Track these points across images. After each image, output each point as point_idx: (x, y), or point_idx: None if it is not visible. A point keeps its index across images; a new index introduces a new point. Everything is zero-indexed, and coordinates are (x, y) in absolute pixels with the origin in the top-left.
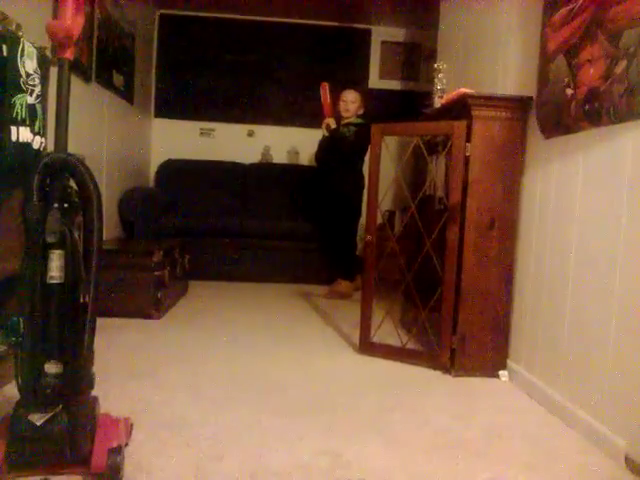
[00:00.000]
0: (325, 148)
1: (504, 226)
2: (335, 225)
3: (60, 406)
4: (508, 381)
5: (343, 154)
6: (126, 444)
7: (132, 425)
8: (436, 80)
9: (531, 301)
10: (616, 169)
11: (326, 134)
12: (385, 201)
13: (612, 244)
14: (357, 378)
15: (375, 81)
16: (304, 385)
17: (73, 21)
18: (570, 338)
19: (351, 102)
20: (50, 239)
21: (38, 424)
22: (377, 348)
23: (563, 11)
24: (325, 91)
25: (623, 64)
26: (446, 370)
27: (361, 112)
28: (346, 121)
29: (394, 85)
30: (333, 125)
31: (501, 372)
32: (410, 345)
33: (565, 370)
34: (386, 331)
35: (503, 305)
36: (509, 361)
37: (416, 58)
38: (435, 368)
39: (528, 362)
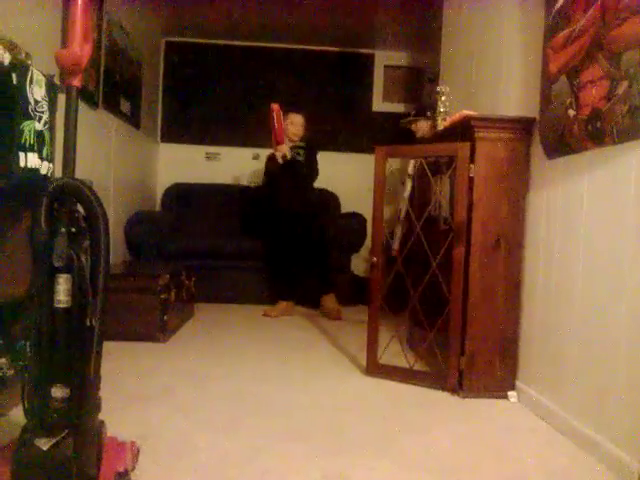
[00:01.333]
0: (280, 175)
1: (510, 245)
2: (303, 244)
3: (67, 430)
4: (517, 402)
5: (303, 178)
6: (133, 468)
7: (138, 449)
8: (439, 103)
9: (539, 321)
10: (621, 188)
11: (280, 162)
12: (390, 222)
13: (619, 263)
14: (364, 400)
15: (378, 104)
16: (311, 408)
17: (81, 49)
18: (580, 357)
19: (300, 125)
20: (57, 263)
21: (44, 449)
22: (384, 370)
23: (564, 33)
24: (278, 114)
25: (625, 85)
26: (454, 391)
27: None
28: (292, 144)
29: (397, 108)
30: (289, 155)
31: (510, 393)
32: (417, 366)
33: (575, 390)
34: (393, 352)
35: (511, 325)
36: (518, 382)
37: (419, 81)
38: (443, 389)
39: (537, 382)
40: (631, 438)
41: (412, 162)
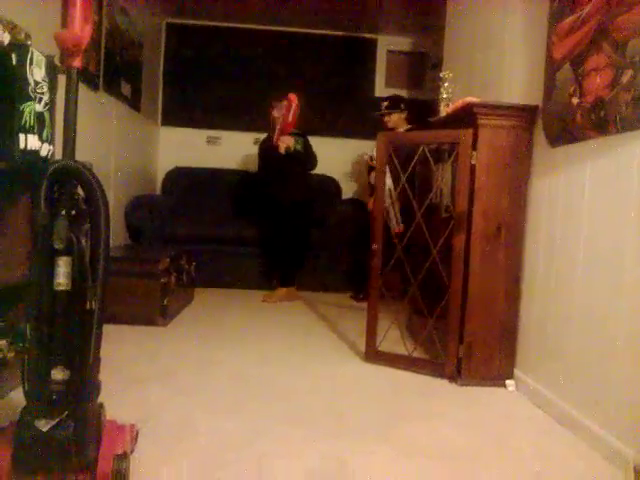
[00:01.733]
0: (281, 164)
1: (511, 234)
2: (293, 232)
3: (66, 412)
4: (515, 390)
5: (304, 168)
6: (132, 451)
7: (138, 432)
8: (442, 89)
9: (538, 309)
10: (623, 177)
11: (283, 153)
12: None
13: (620, 252)
14: (363, 386)
15: (381, 89)
16: (310, 392)
17: (81, 30)
18: (578, 347)
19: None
20: (57, 246)
21: (44, 430)
22: (383, 356)
23: (569, 20)
24: (296, 106)
25: (629, 73)
26: (452, 379)
27: None
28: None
29: (400, 93)
30: (293, 148)
31: (508, 381)
32: (416, 354)
33: (573, 379)
34: (392, 339)
35: (510, 313)
36: (516, 370)
37: (422, 67)
38: (442, 377)
39: (535, 371)
40: (626, 427)
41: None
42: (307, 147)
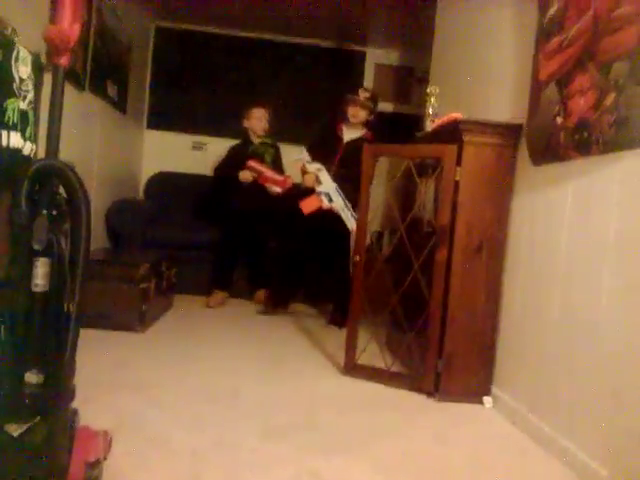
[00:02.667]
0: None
1: (492, 250)
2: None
3: (38, 417)
4: (492, 407)
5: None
6: (105, 458)
7: (111, 439)
8: (428, 104)
9: (517, 326)
10: (604, 198)
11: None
12: (373, 222)
13: (598, 272)
14: (340, 400)
15: None
16: (286, 405)
17: (70, 28)
18: (555, 365)
19: (265, 119)
20: (37, 246)
21: (15, 435)
22: (362, 370)
23: (556, 40)
24: (257, 166)
25: (612, 96)
26: (430, 394)
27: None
28: (259, 140)
29: (386, 107)
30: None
31: (485, 398)
32: (395, 368)
33: (549, 397)
34: (372, 353)
35: (489, 330)
36: (493, 387)
37: (409, 81)
38: (419, 392)
39: (513, 388)
40: (602, 447)
41: (304, 150)
42: (276, 159)
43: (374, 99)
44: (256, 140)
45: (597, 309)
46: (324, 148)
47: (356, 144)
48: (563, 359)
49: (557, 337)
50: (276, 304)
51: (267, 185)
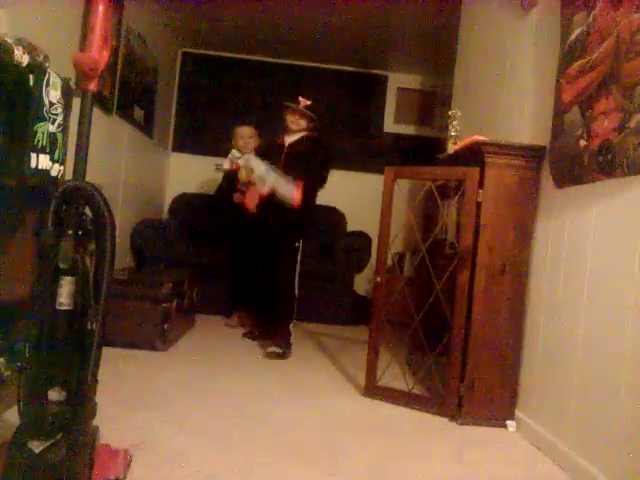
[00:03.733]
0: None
1: (515, 272)
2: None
3: (60, 434)
4: (516, 432)
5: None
6: (124, 476)
7: (131, 457)
8: (450, 126)
9: (541, 350)
10: (629, 221)
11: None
12: (395, 243)
13: (624, 296)
14: (361, 422)
15: (390, 125)
16: (306, 427)
17: (99, 54)
18: (580, 390)
19: (248, 137)
20: (62, 265)
21: (37, 452)
22: (383, 392)
23: (578, 64)
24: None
25: (637, 118)
26: (452, 418)
27: (256, 145)
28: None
29: (409, 130)
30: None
31: (509, 422)
32: (416, 390)
33: (573, 422)
34: (392, 375)
35: (513, 353)
36: (517, 411)
37: (431, 104)
38: (441, 415)
39: (537, 413)
40: (626, 471)
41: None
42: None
43: (313, 108)
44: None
45: (624, 333)
46: (268, 157)
47: (298, 143)
48: (587, 383)
49: (581, 362)
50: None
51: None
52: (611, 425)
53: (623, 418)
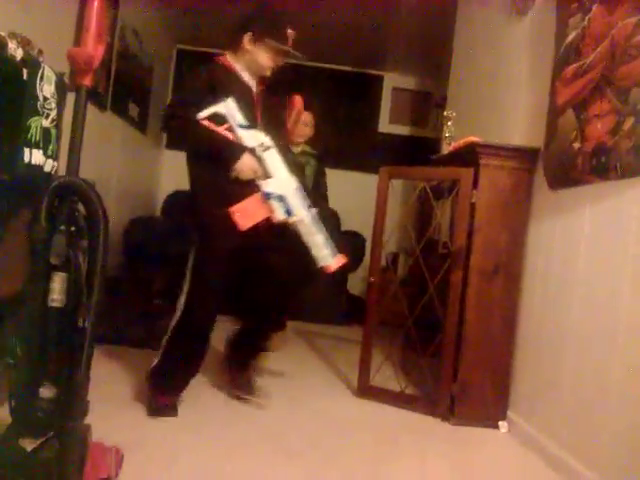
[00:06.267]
0: None
1: (508, 273)
2: None
3: (52, 432)
4: (508, 432)
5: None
6: (116, 475)
7: (123, 456)
8: (445, 127)
9: (533, 351)
10: (622, 224)
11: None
12: (389, 243)
13: (616, 297)
14: (353, 422)
15: (385, 125)
16: (299, 428)
17: (94, 49)
18: (572, 391)
19: (312, 126)
20: (54, 261)
21: (28, 449)
22: (375, 392)
23: (573, 67)
24: (297, 112)
25: (631, 121)
26: (445, 418)
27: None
28: (300, 149)
29: (403, 130)
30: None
31: (501, 423)
32: (409, 390)
33: (565, 423)
34: (385, 375)
35: (505, 354)
36: (509, 412)
37: (426, 105)
38: (434, 415)
39: (529, 414)
40: (618, 473)
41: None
42: (318, 174)
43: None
44: (296, 149)
45: (615, 334)
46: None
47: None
48: (580, 385)
49: (573, 363)
50: None
51: None
52: (602, 426)
53: (614, 419)
